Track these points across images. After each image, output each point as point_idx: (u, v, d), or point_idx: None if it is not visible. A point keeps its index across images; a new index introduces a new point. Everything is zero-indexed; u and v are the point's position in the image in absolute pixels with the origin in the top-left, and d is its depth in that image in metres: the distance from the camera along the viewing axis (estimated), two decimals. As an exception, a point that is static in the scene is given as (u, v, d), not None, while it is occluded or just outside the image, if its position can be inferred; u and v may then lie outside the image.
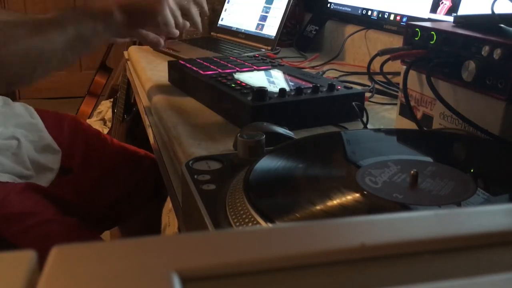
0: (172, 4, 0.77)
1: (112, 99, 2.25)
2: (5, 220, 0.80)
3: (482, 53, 0.55)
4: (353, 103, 0.71)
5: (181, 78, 0.97)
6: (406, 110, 0.67)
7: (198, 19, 0.85)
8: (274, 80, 0.89)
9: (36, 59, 0.65)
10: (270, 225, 0.37)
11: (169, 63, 1.02)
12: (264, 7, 1.41)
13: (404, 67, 0.66)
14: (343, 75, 1.09)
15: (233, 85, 0.79)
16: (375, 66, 0.87)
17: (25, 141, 0.96)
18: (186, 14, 0.81)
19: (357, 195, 0.42)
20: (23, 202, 0.83)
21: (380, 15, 1.20)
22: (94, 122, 2.53)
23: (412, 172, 0.43)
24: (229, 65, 0.97)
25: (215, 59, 1.02)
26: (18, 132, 0.95)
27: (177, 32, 0.80)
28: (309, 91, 0.76)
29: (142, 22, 0.76)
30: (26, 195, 0.84)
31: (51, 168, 0.98)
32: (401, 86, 0.68)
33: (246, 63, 0.99)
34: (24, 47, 0.63)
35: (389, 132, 0.65)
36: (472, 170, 0.47)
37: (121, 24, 0.71)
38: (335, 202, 0.41)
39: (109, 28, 0.70)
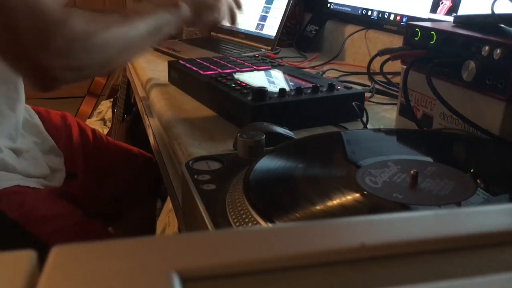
0: (230, 1, 0.93)
1: (112, 99, 2.25)
2: (40, 222, 0.82)
3: (482, 53, 0.55)
4: (353, 103, 0.71)
5: (181, 78, 0.97)
6: (406, 110, 0.67)
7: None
8: (274, 80, 0.89)
9: (125, 45, 0.72)
10: (270, 225, 0.37)
11: (169, 63, 1.02)
12: (264, 7, 1.41)
13: (404, 67, 0.66)
14: (343, 75, 1.10)
15: (233, 85, 0.79)
16: (375, 66, 0.87)
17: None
18: (239, 7, 0.98)
19: (357, 195, 0.42)
20: (53, 206, 0.85)
21: (380, 15, 1.20)
22: (94, 122, 2.53)
23: (412, 172, 0.43)
24: (229, 65, 0.97)
25: (215, 59, 1.02)
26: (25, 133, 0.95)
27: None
28: (309, 91, 0.75)
29: (204, 16, 0.89)
30: (54, 200, 0.87)
31: (59, 169, 0.98)
32: (401, 86, 0.68)
33: (246, 63, 0.99)
34: (115, 33, 0.69)
35: (389, 132, 0.65)
36: (472, 170, 0.47)
37: (187, 17, 0.84)
38: (335, 202, 0.41)
39: (178, 19, 0.82)
